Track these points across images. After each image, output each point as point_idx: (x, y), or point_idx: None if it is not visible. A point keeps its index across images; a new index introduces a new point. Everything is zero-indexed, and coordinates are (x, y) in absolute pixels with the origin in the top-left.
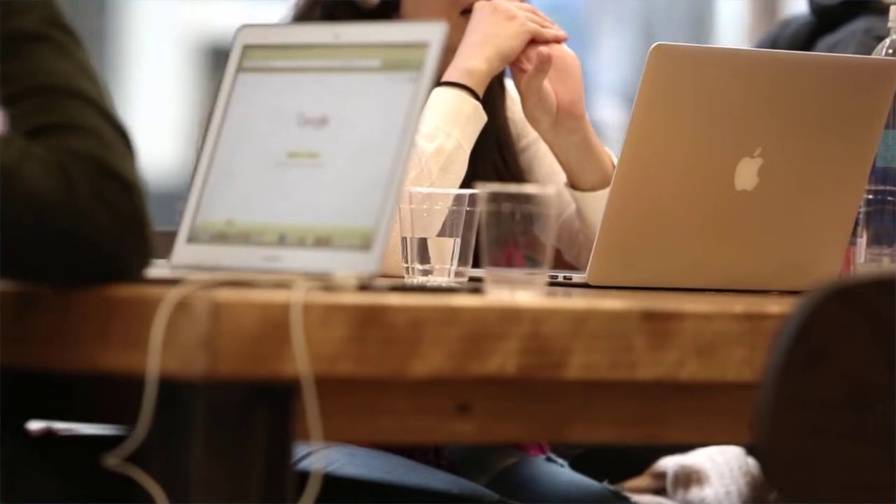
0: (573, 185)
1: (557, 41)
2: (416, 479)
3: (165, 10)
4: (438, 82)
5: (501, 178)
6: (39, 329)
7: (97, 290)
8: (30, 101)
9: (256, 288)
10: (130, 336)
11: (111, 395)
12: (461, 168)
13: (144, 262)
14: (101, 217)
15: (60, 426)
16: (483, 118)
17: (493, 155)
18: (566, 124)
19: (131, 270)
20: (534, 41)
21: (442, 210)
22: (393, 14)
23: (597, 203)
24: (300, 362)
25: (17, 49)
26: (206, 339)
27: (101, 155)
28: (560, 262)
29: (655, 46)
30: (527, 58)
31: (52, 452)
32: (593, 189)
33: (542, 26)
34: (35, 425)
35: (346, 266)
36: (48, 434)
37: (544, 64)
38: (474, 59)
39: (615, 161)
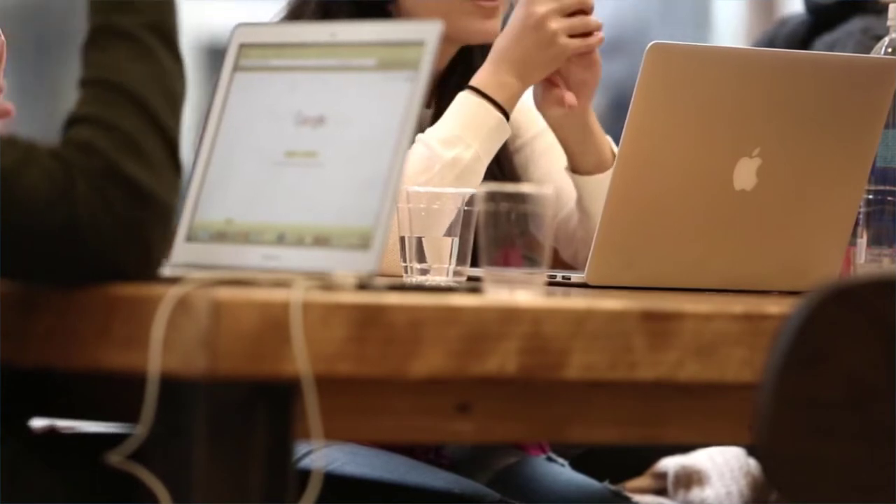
0: (573, 168)
1: (589, 50)
2: (417, 478)
3: None
4: (468, 84)
5: (494, 178)
6: (41, 327)
7: (98, 288)
8: (85, 89)
9: (256, 287)
10: (131, 334)
11: (113, 393)
12: (477, 180)
13: (146, 268)
14: (99, 221)
15: (63, 424)
16: (506, 133)
17: None
18: (573, 111)
19: (130, 274)
20: None
21: (450, 210)
22: (390, 5)
23: (594, 188)
24: (300, 361)
25: (105, 42)
26: (206, 338)
27: (117, 158)
28: (557, 262)
29: (652, 45)
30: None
31: (54, 450)
32: (591, 173)
33: (578, 30)
34: (38, 423)
35: (344, 265)
36: (51, 432)
37: (571, 107)
38: (510, 76)
39: (615, 148)
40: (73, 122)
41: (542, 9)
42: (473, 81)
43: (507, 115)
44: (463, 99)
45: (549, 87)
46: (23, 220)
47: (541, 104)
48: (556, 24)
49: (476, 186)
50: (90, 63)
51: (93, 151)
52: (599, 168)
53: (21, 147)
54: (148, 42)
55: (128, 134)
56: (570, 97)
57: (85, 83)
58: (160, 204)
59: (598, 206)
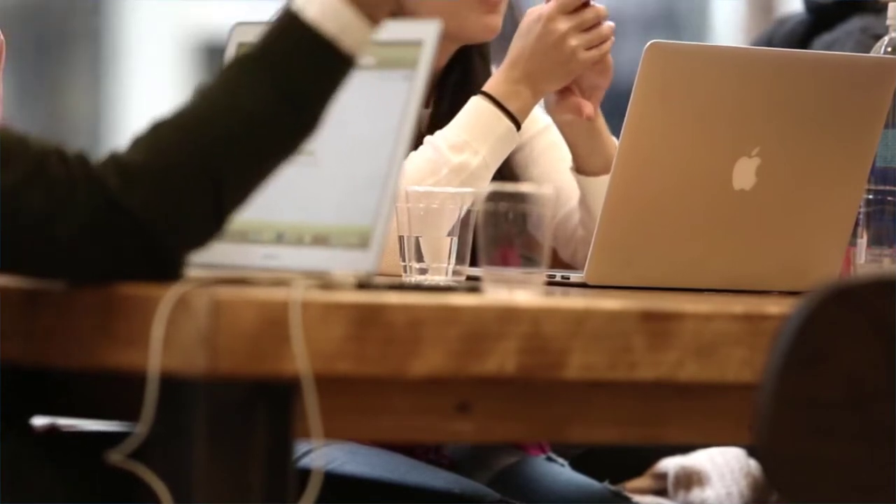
0: (579, 168)
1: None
2: (417, 477)
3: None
4: (479, 90)
5: (494, 177)
6: (42, 326)
7: (98, 287)
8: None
9: (255, 286)
10: (132, 333)
11: (114, 391)
12: (483, 186)
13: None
14: (88, 255)
15: (64, 422)
16: (515, 142)
17: None
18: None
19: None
20: None
21: (450, 211)
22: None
23: (600, 189)
24: (300, 361)
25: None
26: (206, 337)
27: (130, 195)
28: (555, 261)
29: (651, 45)
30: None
31: (55, 449)
32: (598, 174)
33: (594, 43)
34: (38, 422)
35: (343, 264)
36: (51, 430)
37: (588, 117)
38: (524, 86)
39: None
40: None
41: (563, 26)
42: (487, 88)
43: (517, 125)
44: (475, 104)
45: (564, 96)
46: (22, 234)
47: (554, 110)
48: (576, 40)
49: None
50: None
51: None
52: (606, 169)
53: (31, 158)
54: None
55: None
56: (588, 107)
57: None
58: (167, 256)
59: (599, 205)
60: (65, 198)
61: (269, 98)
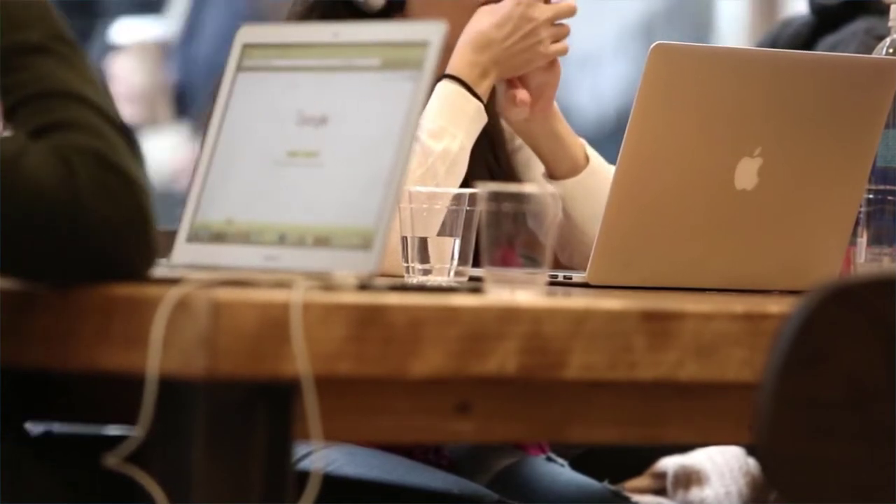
0: (549, 173)
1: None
2: (416, 478)
3: None
4: (444, 74)
5: (494, 178)
6: (39, 328)
7: (97, 288)
8: (31, 105)
9: (256, 287)
10: (130, 335)
11: (111, 394)
12: (463, 169)
13: (148, 259)
14: (103, 208)
15: (60, 426)
16: (484, 120)
17: (486, 154)
18: (535, 112)
19: (133, 266)
20: None
21: (441, 209)
22: (396, 17)
23: (569, 192)
24: (300, 362)
25: (21, 61)
26: (205, 339)
27: (101, 149)
28: (556, 264)
29: (655, 46)
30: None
31: (51, 452)
32: (564, 177)
33: (560, 37)
34: (34, 426)
35: (345, 265)
36: (47, 434)
37: (522, 102)
38: (491, 69)
39: (587, 149)
40: (40, 132)
41: (541, 16)
42: (455, 70)
43: (483, 103)
44: (445, 89)
45: (507, 89)
46: (25, 207)
47: (504, 106)
48: (547, 31)
49: (462, 175)
50: (21, 82)
51: (80, 148)
52: (573, 172)
53: (18, 140)
54: (59, 49)
55: (94, 127)
56: (522, 94)
57: (28, 99)
58: (147, 192)
59: (577, 208)
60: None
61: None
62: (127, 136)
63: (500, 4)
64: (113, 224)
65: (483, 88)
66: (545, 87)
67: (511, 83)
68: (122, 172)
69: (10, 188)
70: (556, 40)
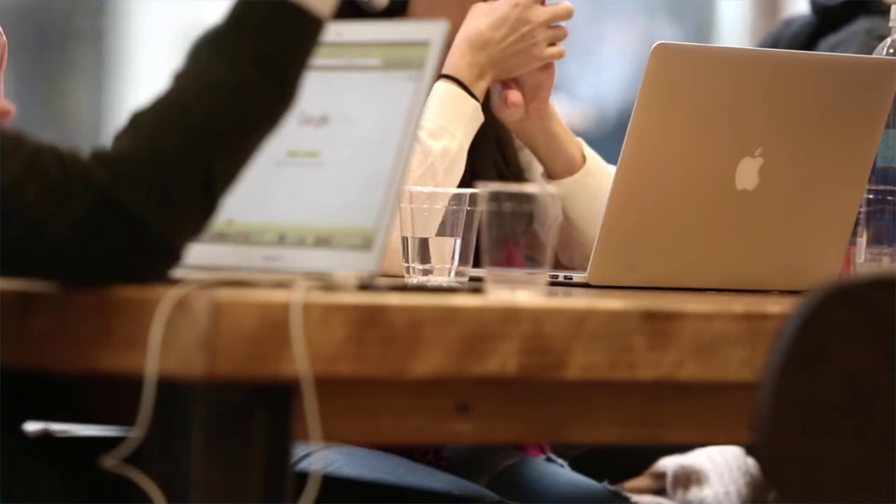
0: (547, 173)
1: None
2: (416, 479)
3: (165, 9)
4: (441, 74)
5: (502, 176)
6: (38, 329)
7: (96, 290)
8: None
9: (256, 288)
10: (129, 336)
11: (110, 395)
12: (461, 169)
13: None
14: (86, 249)
15: (58, 427)
16: (481, 119)
17: (494, 153)
18: (530, 113)
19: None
20: None
21: (440, 209)
22: (400, 17)
23: (566, 191)
24: (300, 362)
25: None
26: (205, 339)
27: (124, 189)
28: (557, 265)
29: (657, 46)
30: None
31: (50, 453)
32: (560, 177)
33: (556, 40)
34: (32, 427)
35: (346, 265)
36: (45, 435)
37: (514, 104)
38: (487, 70)
39: (584, 149)
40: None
41: (537, 18)
42: (452, 71)
43: (479, 103)
44: (443, 89)
45: (502, 90)
46: (17, 234)
47: (498, 107)
48: (543, 34)
49: (460, 175)
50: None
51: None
52: (570, 171)
53: (25, 156)
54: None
55: (156, 166)
56: (514, 95)
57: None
58: (163, 247)
59: (574, 208)
60: (60, 196)
61: (244, 70)
62: (205, 181)
63: (497, 5)
64: (93, 265)
65: (479, 89)
66: (540, 88)
67: (505, 84)
68: (126, 216)
69: (4, 217)
70: (553, 43)
